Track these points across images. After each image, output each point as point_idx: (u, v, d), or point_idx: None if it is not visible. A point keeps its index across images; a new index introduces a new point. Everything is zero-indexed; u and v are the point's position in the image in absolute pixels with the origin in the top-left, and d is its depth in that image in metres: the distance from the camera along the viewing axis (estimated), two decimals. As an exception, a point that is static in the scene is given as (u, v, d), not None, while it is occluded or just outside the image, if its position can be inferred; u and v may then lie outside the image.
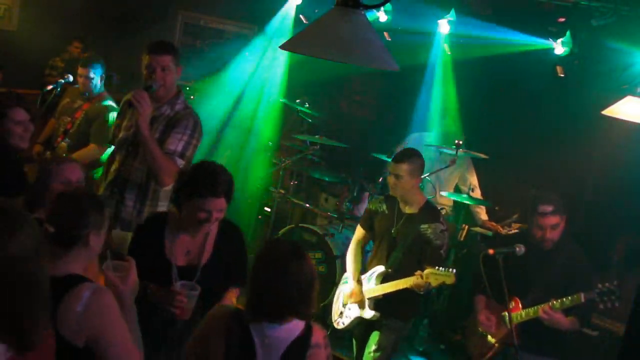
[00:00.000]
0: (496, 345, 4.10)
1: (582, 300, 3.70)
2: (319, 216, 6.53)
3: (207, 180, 3.10)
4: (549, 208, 3.96)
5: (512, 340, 3.75)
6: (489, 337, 4.16)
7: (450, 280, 3.83)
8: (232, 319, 2.57)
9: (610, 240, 5.63)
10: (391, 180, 4.19)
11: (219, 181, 3.11)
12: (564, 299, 3.77)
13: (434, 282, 3.85)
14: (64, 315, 2.41)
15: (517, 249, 3.89)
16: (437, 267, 3.87)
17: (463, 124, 6.35)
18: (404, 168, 4.13)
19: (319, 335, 2.59)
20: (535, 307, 3.87)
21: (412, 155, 4.25)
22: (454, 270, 3.86)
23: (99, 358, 2.47)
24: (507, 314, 3.87)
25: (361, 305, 4.25)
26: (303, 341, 2.55)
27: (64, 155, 5.12)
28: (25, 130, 3.77)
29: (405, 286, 3.99)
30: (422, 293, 3.97)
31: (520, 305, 3.98)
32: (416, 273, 3.93)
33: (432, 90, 6.83)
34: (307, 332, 2.56)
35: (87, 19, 8.05)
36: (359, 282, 4.30)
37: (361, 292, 4.25)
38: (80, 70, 5.36)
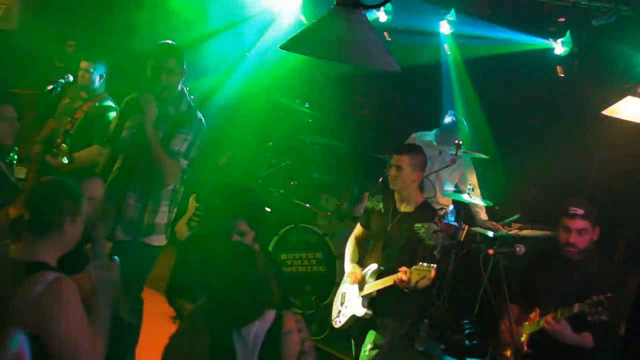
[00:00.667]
0: (511, 356, 4.04)
1: (575, 310, 3.61)
2: (319, 216, 6.53)
3: None
4: (579, 211, 3.82)
5: (524, 351, 3.75)
6: (507, 346, 4.10)
7: (429, 274, 3.83)
8: (214, 322, 2.64)
9: (611, 239, 5.62)
10: (392, 172, 4.20)
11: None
12: (564, 310, 3.67)
13: (415, 278, 3.86)
14: (20, 298, 2.42)
15: (517, 249, 3.88)
16: (419, 263, 3.88)
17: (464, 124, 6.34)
18: (405, 160, 4.14)
19: (290, 321, 2.67)
20: (543, 318, 3.80)
21: (415, 149, 4.28)
22: (434, 265, 3.86)
23: (48, 348, 2.45)
24: (527, 322, 3.85)
25: (361, 287, 4.23)
26: (276, 330, 2.63)
27: (65, 157, 5.12)
28: (11, 127, 3.79)
29: (390, 283, 4.00)
30: (407, 291, 3.95)
31: (537, 314, 3.90)
32: (400, 269, 3.94)
33: (434, 90, 6.83)
34: (278, 321, 2.64)
35: (87, 19, 8.05)
36: (358, 265, 4.31)
37: (361, 272, 4.25)
38: (82, 64, 5.39)
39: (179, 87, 4.15)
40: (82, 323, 2.52)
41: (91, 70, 5.34)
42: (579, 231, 3.82)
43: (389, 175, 4.27)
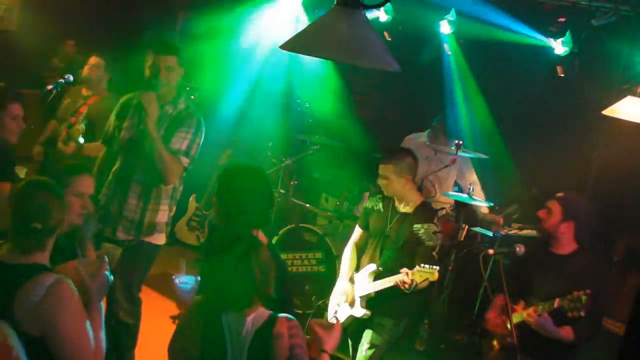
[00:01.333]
0: (496, 346, 4.09)
1: (555, 306, 3.65)
2: (319, 216, 6.53)
3: None
4: (559, 194, 3.95)
5: (512, 341, 3.75)
6: (494, 336, 4.14)
7: (433, 277, 3.84)
8: (206, 311, 2.62)
9: (610, 240, 5.62)
10: (382, 182, 4.21)
11: None
12: (545, 304, 3.72)
13: (418, 279, 3.87)
14: (21, 302, 2.44)
15: (517, 249, 3.88)
16: (421, 265, 3.89)
17: (463, 125, 6.35)
18: (390, 169, 4.15)
19: (282, 325, 2.60)
20: (526, 311, 3.83)
21: (398, 154, 4.27)
22: (438, 267, 3.87)
23: (52, 349, 2.48)
24: (513, 315, 3.85)
25: (352, 305, 4.26)
26: (266, 331, 2.59)
27: (78, 139, 5.13)
28: (17, 125, 3.82)
29: (391, 284, 4.00)
30: (407, 292, 3.95)
31: (522, 306, 3.94)
32: (402, 270, 3.94)
33: (434, 89, 6.84)
34: (269, 322, 2.60)
35: (87, 19, 8.06)
36: (351, 281, 4.31)
37: (352, 292, 4.26)
38: (93, 59, 5.41)
39: (177, 86, 4.16)
40: (84, 322, 2.55)
41: (101, 67, 5.37)
42: (548, 210, 3.92)
43: (380, 184, 4.27)
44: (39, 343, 2.46)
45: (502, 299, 4.06)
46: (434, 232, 4.08)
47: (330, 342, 2.70)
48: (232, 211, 3.00)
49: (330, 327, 2.74)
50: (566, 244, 3.93)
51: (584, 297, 3.55)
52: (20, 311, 2.44)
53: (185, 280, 5.56)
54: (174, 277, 4.42)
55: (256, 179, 3.08)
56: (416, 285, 3.90)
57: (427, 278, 3.86)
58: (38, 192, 2.60)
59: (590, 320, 3.70)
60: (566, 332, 3.76)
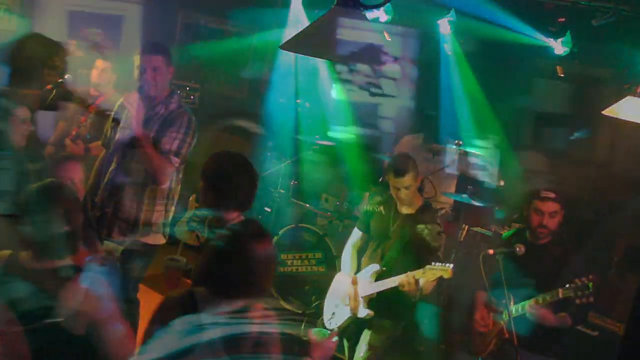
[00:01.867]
0: (491, 343, 4.09)
1: (560, 295, 3.71)
2: (319, 216, 6.53)
3: None
4: (552, 195, 3.97)
5: (508, 336, 3.81)
6: (485, 336, 4.15)
7: (447, 274, 3.83)
8: (184, 302, 2.58)
9: (610, 240, 5.62)
10: (402, 193, 4.15)
11: None
12: (545, 295, 3.78)
13: (430, 277, 3.86)
14: (63, 305, 2.49)
15: (517, 249, 3.89)
16: (433, 263, 3.89)
17: (462, 124, 6.35)
18: (410, 177, 4.13)
19: (256, 310, 2.60)
20: (523, 303, 3.87)
21: (407, 161, 4.24)
22: (451, 265, 3.86)
23: (99, 342, 2.54)
24: (507, 312, 3.88)
25: (354, 310, 4.24)
26: (240, 314, 2.56)
27: (87, 135, 5.16)
28: (26, 128, 3.84)
29: (394, 284, 4.00)
30: (414, 298, 3.97)
31: (512, 301, 3.96)
32: (408, 274, 3.93)
33: (434, 89, 6.84)
34: (245, 306, 2.57)
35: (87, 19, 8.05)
36: (354, 284, 4.28)
37: (355, 295, 4.24)
38: (100, 63, 5.46)
39: (169, 85, 4.15)
40: (119, 311, 2.64)
41: (108, 70, 5.41)
42: (551, 214, 3.96)
43: (397, 197, 4.21)
44: (85, 341, 2.53)
45: (484, 297, 4.13)
46: (438, 233, 4.08)
47: (318, 351, 2.74)
48: (214, 194, 3.06)
49: (324, 337, 2.77)
50: (553, 231, 4.00)
51: (590, 284, 3.60)
52: (64, 314, 2.49)
53: (177, 259, 5.67)
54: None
55: (238, 164, 3.13)
56: (422, 291, 3.89)
57: (441, 275, 3.85)
58: (60, 196, 2.63)
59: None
60: (565, 319, 3.85)
